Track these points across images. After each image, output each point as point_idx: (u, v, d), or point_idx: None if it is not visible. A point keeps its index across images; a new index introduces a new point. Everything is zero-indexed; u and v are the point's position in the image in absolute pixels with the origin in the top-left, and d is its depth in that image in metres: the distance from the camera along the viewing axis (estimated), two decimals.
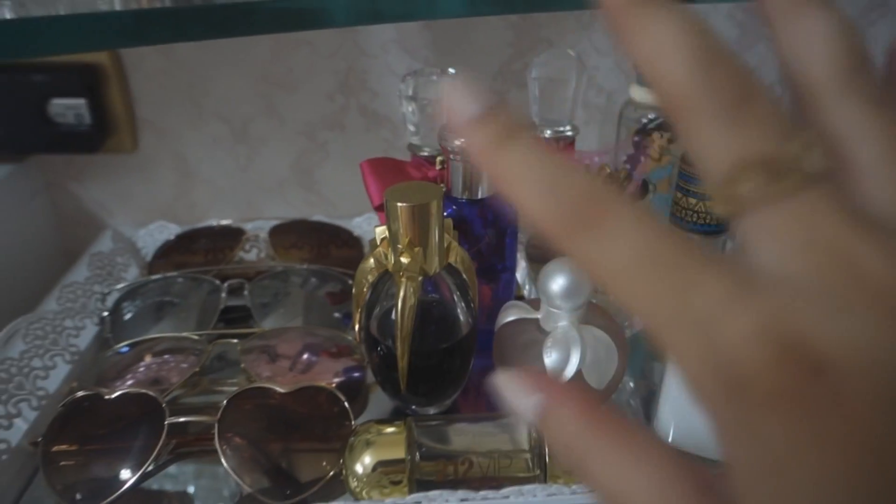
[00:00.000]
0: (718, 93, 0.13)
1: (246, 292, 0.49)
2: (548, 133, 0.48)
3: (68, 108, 0.56)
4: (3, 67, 0.55)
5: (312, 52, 0.59)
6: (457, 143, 0.38)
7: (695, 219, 0.44)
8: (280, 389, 0.38)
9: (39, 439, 0.36)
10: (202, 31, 0.34)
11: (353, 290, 0.40)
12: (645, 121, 0.50)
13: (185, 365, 0.43)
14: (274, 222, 0.59)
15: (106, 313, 0.48)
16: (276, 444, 0.36)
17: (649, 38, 0.14)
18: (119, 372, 0.42)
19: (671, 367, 0.38)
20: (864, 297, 0.12)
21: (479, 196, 0.41)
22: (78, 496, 0.34)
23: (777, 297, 0.12)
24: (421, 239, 0.34)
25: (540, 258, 0.50)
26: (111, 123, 0.59)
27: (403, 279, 0.35)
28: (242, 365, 0.43)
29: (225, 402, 0.36)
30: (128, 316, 0.49)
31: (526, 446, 0.35)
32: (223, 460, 0.35)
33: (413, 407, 0.41)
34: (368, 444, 0.34)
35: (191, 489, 0.38)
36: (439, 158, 0.44)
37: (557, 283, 0.36)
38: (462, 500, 0.32)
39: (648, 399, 0.43)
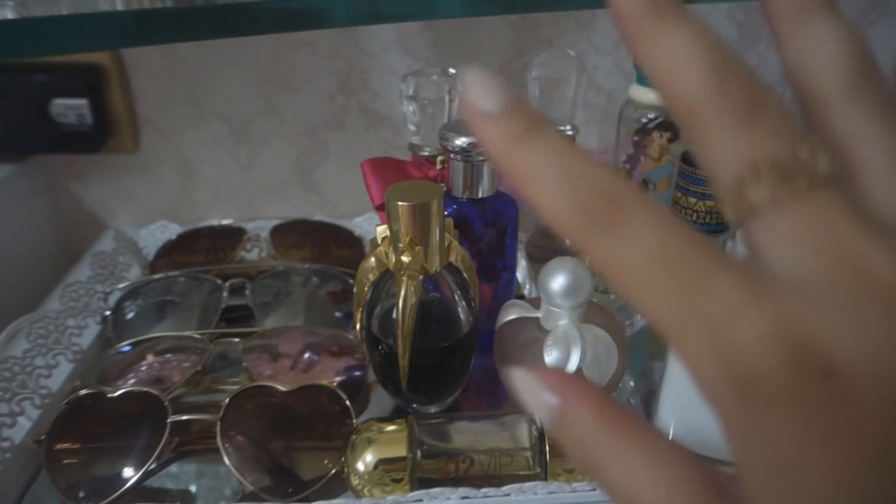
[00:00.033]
0: (730, 100, 0.14)
1: (247, 292, 0.49)
2: None
3: (70, 108, 0.56)
4: (4, 67, 0.55)
5: (313, 52, 0.59)
6: (458, 142, 0.38)
7: (694, 218, 0.44)
8: (282, 388, 0.38)
9: (43, 437, 0.36)
10: (203, 31, 0.34)
11: (355, 289, 0.40)
12: (644, 120, 0.50)
13: (186, 364, 0.43)
14: (275, 222, 0.59)
15: (108, 312, 0.49)
16: (278, 442, 0.37)
17: (662, 47, 0.14)
18: (121, 371, 0.43)
19: (671, 366, 0.38)
20: (873, 301, 0.12)
21: (480, 195, 0.41)
22: (81, 494, 0.35)
23: (788, 299, 0.13)
24: (422, 238, 0.34)
25: (540, 257, 0.51)
26: (112, 123, 0.59)
27: (404, 278, 0.35)
28: (244, 364, 0.43)
29: (227, 400, 0.37)
30: (130, 315, 0.49)
31: (527, 444, 0.35)
32: (225, 458, 0.35)
33: (414, 405, 0.41)
34: (370, 442, 0.35)
35: (193, 487, 0.38)
36: (440, 158, 0.44)
37: (558, 281, 0.36)
38: (463, 497, 0.33)
39: (648, 398, 0.43)
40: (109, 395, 0.37)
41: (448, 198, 0.41)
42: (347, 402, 0.38)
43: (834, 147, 0.14)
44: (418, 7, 0.37)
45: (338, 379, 0.42)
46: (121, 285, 0.51)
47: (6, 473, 0.36)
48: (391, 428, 0.35)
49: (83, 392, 0.38)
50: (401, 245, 0.34)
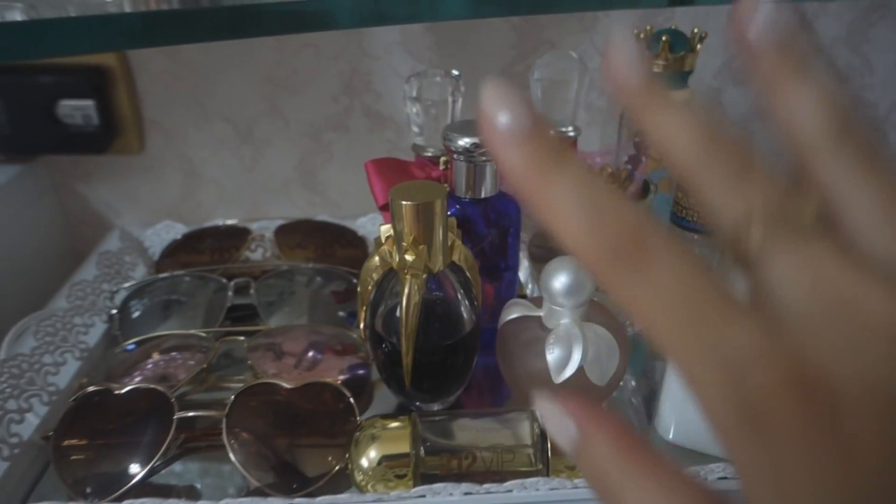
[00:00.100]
0: (721, 161, 0.15)
1: (252, 291, 0.50)
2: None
3: (76, 109, 0.57)
4: (12, 69, 0.56)
5: (317, 54, 0.59)
6: (461, 142, 0.39)
7: (695, 218, 0.45)
8: (287, 385, 0.38)
9: (50, 433, 0.37)
10: (209, 32, 0.34)
11: (359, 288, 0.40)
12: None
13: (192, 362, 0.43)
14: (279, 222, 0.60)
15: (114, 311, 0.49)
16: (283, 438, 0.37)
17: (661, 121, 0.16)
18: (127, 368, 0.43)
19: (672, 366, 0.38)
20: (873, 339, 0.13)
21: (483, 196, 0.41)
22: (88, 489, 0.35)
23: (797, 341, 0.13)
24: (425, 237, 0.35)
25: (542, 257, 0.51)
26: (118, 124, 0.60)
27: (408, 277, 0.35)
28: (249, 362, 0.43)
29: (232, 397, 0.37)
30: (136, 314, 0.50)
31: (529, 441, 0.35)
32: (231, 455, 0.35)
33: (417, 403, 0.41)
34: (374, 438, 0.35)
35: (198, 483, 0.38)
36: (443, 159, 0.45)
37: (560, 280, 0.37)
38: (466, 493, 0.33)
39: (650, 397, 0.43)
40: (116, 392, 0.38)
41: (451, 198, 0.42)
42: (351, 400, 0.38)
43: (823, 194, 0.15)
44: (421, 9, 0.38)
45: (342, 377, 0.43)
46: (127, 284, 0.51)
47: (15, 469, 0.37)
48: (395, 425, 0.36)
49: (90, 389, 0.38)
50: (404, 244, 0.35)
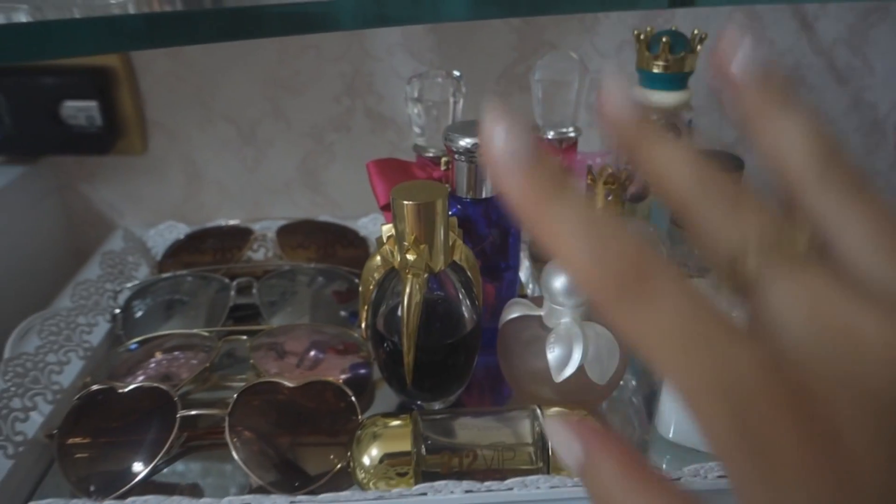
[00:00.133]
0: (716, 193, 0.15)
1: (254, 291, 0.50)
2: (551, 134, 0.49)
3: (80, 111, 0.57)
4: (16, 70, 0.56)
5: (319, 55, 0.60)
6: (462, 143, 0.39)
7: None
8: (289, 384, 0.38)
9: (55, 432, 0.37)
10: (212, 33, 0.35)
11: (360, 288, 0.41)
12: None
13: (195, 361, 0.44)
14: (281, 222, 0.60)
15: (118, 311, 0.49)
16: (285, 437, 0.37)
17: (655, 154, 0.16)
18: (130, 368, 0.43)
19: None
20: (870, 367, 0.14)
21: (484, 196, 0.41)
22: (92, 487, 0.35)
23: (797, 375, 0.14)
24: (427, 236, 0.35)
25: (543, 257, 0.51)
26: (121, 125, 0.60)
27: (409, 276, 0.35)
28: (251, 361, 0.44)
29: (235, 396, 0.37)
30: (139, 313, 0.50)
31: (529, 440, 0.35)
32: (234, 453, 0.36)
33: (418, 402, 0.42)
34: (375, 436, 0.35)
35: (201, 481, 0.38)
36: (444, 159, 0.45)
37: (560, 280, 0.37)
38: (467, 491, 0.33)
39: (650, 397, 0.44)
40: (120, 391, 0.38)
41: (452, 198, 0.42)
42: (353, 399, 0.38)
43: (813, 225, 0.16)
44: (423, 10, 0.38)
45: (343, 376, 0.43)
46: (130, 284, 0.51)
47: (19, 467, 0.37)
48: (396, 423, 0.36)
49: (94, 387, 0.38)
50: (406, 243, 0.35)
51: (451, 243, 0.37)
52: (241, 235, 0.59)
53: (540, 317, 0.39)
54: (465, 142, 0.39)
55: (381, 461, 0.35)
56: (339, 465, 0.36)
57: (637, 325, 0.14)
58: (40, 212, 0.61)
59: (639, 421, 0.42)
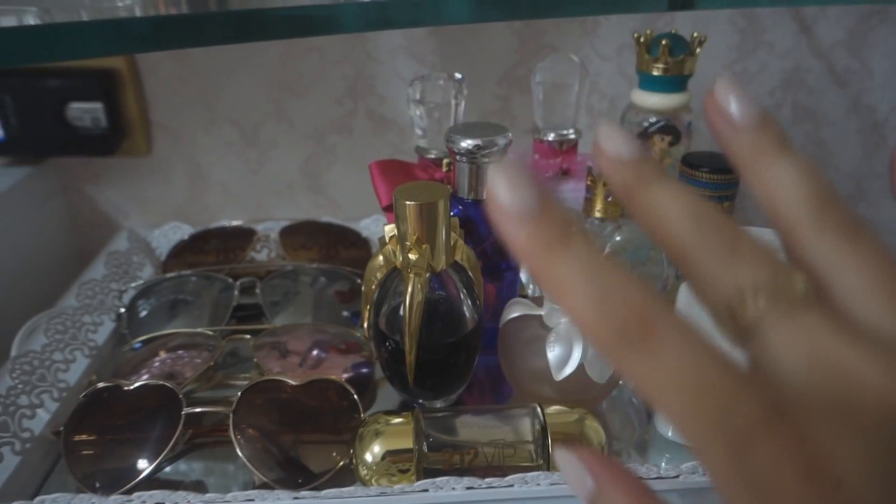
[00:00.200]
0: (709, 242, 0.16)
1: (258, 291, 0.50)
2: (551, 136, 0.49)
3: (85, 112, 0.58)
4: (23, 72, 0.56)
5: (322, 57, 0.60)
6: (464, 144, 0.40)
7: None
8: (292, 382, 0.39)
9: (61, 428, 0.38)
10: (217, 36, 0.35)
11: (363, 287, 0.41)
12: (646, 124, 0.51)
13: (198, 360, 0.44)
14: (284, 223, 0.61)
15: (123, 310, 0.50)
16: (289, 434, 0.38)
17: (652, 209, 0.16)
18: (135, 366, 0.44)
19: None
20: (869, 413, 0.14)
21: (485, 197, 0.42)
22: (98, 484, 0.36)
23: (798, 418, 0.14)
24: (428, 236, 0.35)
25: None
26: (126, 127, 0.61)
27: (411, 275, 0.36)
28: (255, 360, 0.44)
29: (239, 394, 0.38)
30: (143, 313, 0.50)
31: (529, 438, 0.36)
32: (238, 450, 0.36)
33: (420, 401, 0.42)
34: (377, 434, 0.36)
35: (205, 478, 0.39)
36: (446, 161, 0.45)
37: None
38: (468, 487, 0.34)
39: None
40: (126, 388, 0.38)
41: (454, 199, 0.42)
42: (355, 397, 0.39)
43: (809, 270, 0.16)
44: (425, 13, 0.38)
45: (345, 375, 0.43)
46: (134, 284, 0.52)
47: (27, 463, 0.37)
48: (398, 420, 0.36)
49: (100, 385, 0.39)
50: (408, 243, 0.35)
51: (452, 243, 0.38)
52: (244, 236, 0.60)
53: (540, 316, 0.40)
54: (466, 143, 0.40)
55: (383, 458, 0.35)
56: (341, 463, 0.37)
57: (641, 374, 0.14)
58: (45, 212, 0.62)
59: (638, 420, 0.43)
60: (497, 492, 0.34)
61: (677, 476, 0.34)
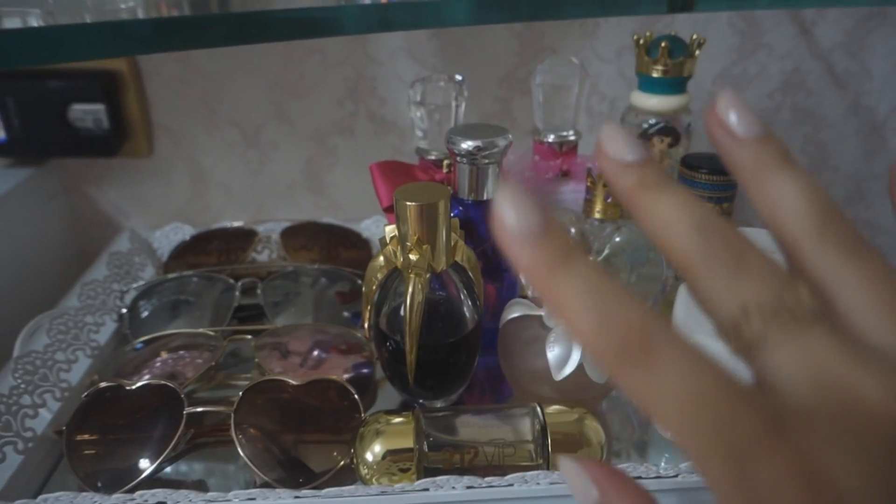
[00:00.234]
0: (715, 254, 0.15)
1: (259, 291, 0.51)
2: (551, 137, 0.49)
3: (87, 113, 0.58)
4: (25, 73, 0.57)
5: (323, 59, 0.61)
6: (464, 145, 0.40)
7: None
8: (293, 382, 0.39)
9: (63, 428, 0.38)
10: (218, 38, 0.35)
11: (363, 288, 0.41)
12: (645, 126, 0.51)
13: (200, 360, 0.44)
14: (285, 224, 0.61)
15: (124, 310, 0.50)
16: (290, 434, 0.38)
17: (656, 216, 0.16)
18: (137, 366, 0.44)
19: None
20: (871, 432, 0.14)
21: (485, 198, 0.42)
22: (100, 483, 0.36)
23: (799, 435, 0.14)
24: (429, 237, 0.36)
25: None
26: (128, 128, 0.61)
27: (412, 275, 0.36)
28: (256, 360, 0.44)
29: (241, 393, 0.38)
30: (145, 313, 0.51)
31: (529, 437, 0.36)
32: (239, 449, 0.36)
33: (420, 401, 0.42)
34: (378, 433, 0.36)
35: (207, 477, 0.39)
36: (446, 162, 0.46)
37: None
38: (468, 486, 0.34)
39: None
40: (128, 388, 0.39)
41: (454, 199, 0.43)
42: (356, 396, 0.39)
43: (812, 284, 0.16)
44: (426, 16, 0.38)
45: (346, 375, 0.43)
46: (136, 284, 0.52)
47: (29, 462, 0.37)
48: (399, 420, 0.36)
49: (102, 385, 0.39)
50: (409, 243, 0.36)
51: (452, 244, 0.38)
52: (245, 237, 0.60)
53: (540, 316, 0.40)
54: (466, 144, 0.40)
55: (383, 457, 0.35)
56: (342, 462, 0.37)
57: (641, 389, 0.15)
58: (48, 213, 0.62)
59: (637, 419, 0.43)
60: (497, 491, 0.34)
61: (676, 476, 0.35)
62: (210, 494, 0.33)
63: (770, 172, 0.17)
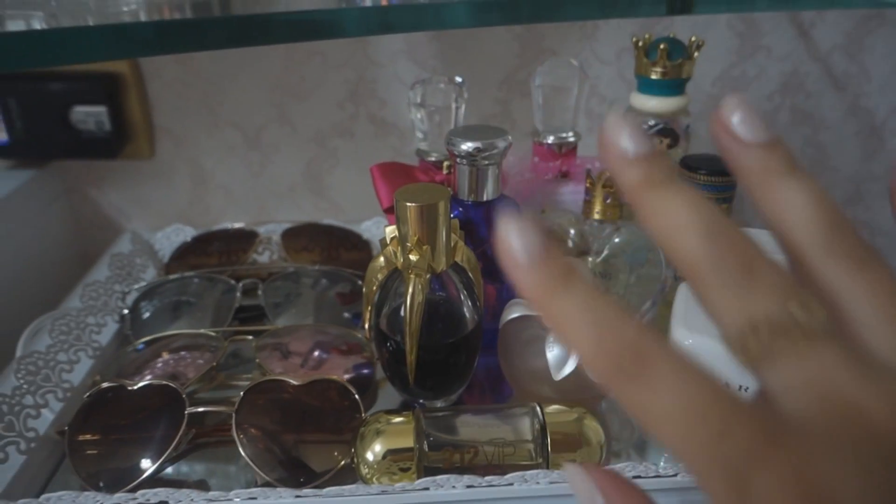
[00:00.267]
0: (724, 263, 0.15)
1: (260, 292, 0.51)
2: (551, 139, 0.50)
3: (89, 116, 0.58)
4: (28, 76, 0.57)
5: (324, 62, 0.61)
6: (464, 147, 0.40)
7: None
8: (294, 382, 0.39)
9: (66, 428, 0.38)
10: (220, 40, 0.36)
11: (364, 289, 0.41)
12: (645, 127, 0.51)
13: (201, 361, 0.44)
14: (286, 225, 0.61)
15: (126, 311, 0.50)
16: (291, 434, 0.38)
17: (663, 217, 0.16)
18: (138, 367, 0.44)
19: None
20: (874, 449, 0.14)
21: (485, 199, 0.42)
22: (101, 483, 0.36)
23: (800, 448, 0.14)
24: (429, 238, 0.36)
25: None
26: (130, 130, 0.61)
27: (412, 276, 0.36)
28: (257, 360, 0.44)
29: (242, 394, 0.38)
30: (147, 314, 0.51)
31: (529, 437, 0.36)
32: (240, 449, 0.36)
33: (421, 401, 0.42)
34: (378, 433, 0.36)
35: (208, 477, 0.39)
36: (446, 163, 0.46)
37: None
38: (468, 486, 0.34)
39: None
40: (129, 389, 0.39)
41: (454, 201, 0.43)
42: (357, 397, 0.39)
43: (818, 294, 0.16)
44: (426, 18, 0.39)
45: (347, 376, 0.44)
46: (138, 285, 0.52)
47: (31, 462, 0.38)
48: (399, 420, 0.37)
49: (104, 385, 0.39)
50: (409, 244, 0.36)
51: (452, 245, 0.38)
52: (246, 238, 0.60)
53: (540, 317, 0.40)
54: (466, 146, 0.40)
55: (384, 457, 0.35)
56: (343, 462, 0.37)
57: (638, 404, 0.15)
58: (49, 215, 0.62)
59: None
60: (497, 490, 0.34)
61: (675, 475, 0.35)
62: (212, 494, 0.34)
63: (777, 179, 0.16)
